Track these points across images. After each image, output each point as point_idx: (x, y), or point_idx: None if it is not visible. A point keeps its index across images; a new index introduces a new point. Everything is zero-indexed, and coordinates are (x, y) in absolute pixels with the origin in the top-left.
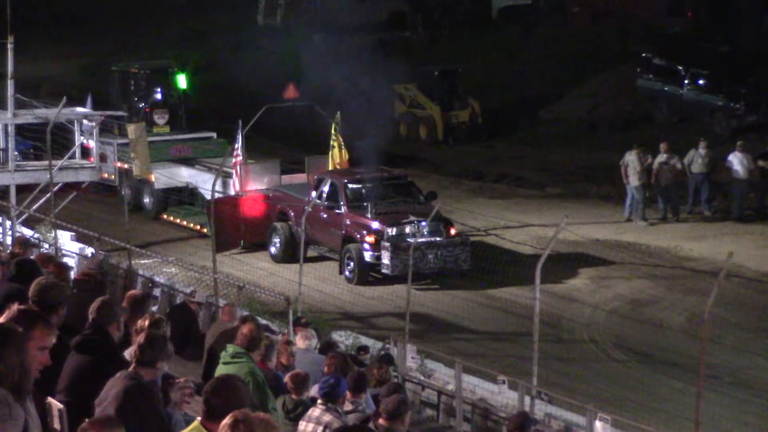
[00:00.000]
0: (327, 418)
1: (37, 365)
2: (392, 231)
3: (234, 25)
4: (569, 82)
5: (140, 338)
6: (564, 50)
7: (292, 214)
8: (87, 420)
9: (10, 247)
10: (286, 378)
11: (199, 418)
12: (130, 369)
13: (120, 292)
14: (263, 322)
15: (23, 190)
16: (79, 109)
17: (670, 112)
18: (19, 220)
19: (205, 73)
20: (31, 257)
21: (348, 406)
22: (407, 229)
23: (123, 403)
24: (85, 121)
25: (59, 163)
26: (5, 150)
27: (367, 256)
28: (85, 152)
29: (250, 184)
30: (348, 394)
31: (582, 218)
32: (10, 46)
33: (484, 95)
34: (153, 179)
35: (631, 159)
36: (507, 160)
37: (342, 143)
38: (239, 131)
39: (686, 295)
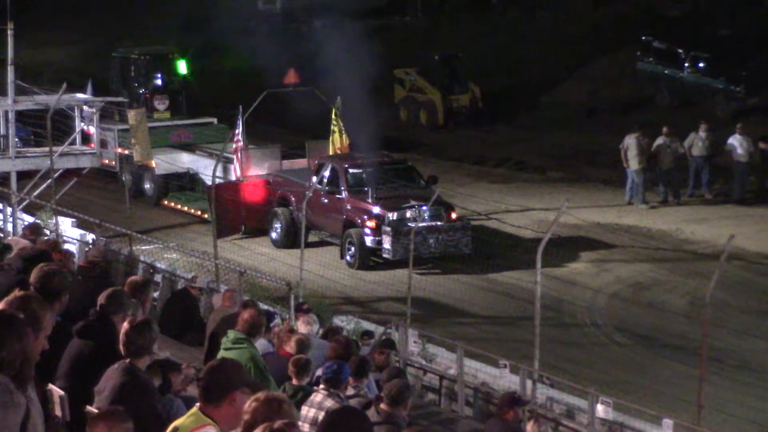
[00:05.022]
0: (329, 403)
1: (38, 352)
2: (393, 216)
3: (234, 11)
4: (570, 66)
5: (124, 328)
6: (564, 34)
7: (293, 199)
8: (96, 412)
9: (11, 235)
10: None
11: (198, 404)
12: (126, 362)
13: (121, 279)
14: (265, 307)
15: (24, 176)
16: (80, 95)
17: (670, 96)
18: (20, 206)
19: (206, 59)
20: (40, 248)
21: (350, 391)
22: (408, 214)
23: (118, 400)
24: (85, 108)
25: (60, 149)
26: (6, 136)
27: (368, 240)
28: (86, 138)
29: (250, 169)
30: (350, 378)
31: (583, 202)
32: (10, 33)
33: (484, 79)
34: (153, 165)
35: (631, 142)
36: (507, 144)
37: (342, 128)
38: (240, 117)
39: (687, 278)
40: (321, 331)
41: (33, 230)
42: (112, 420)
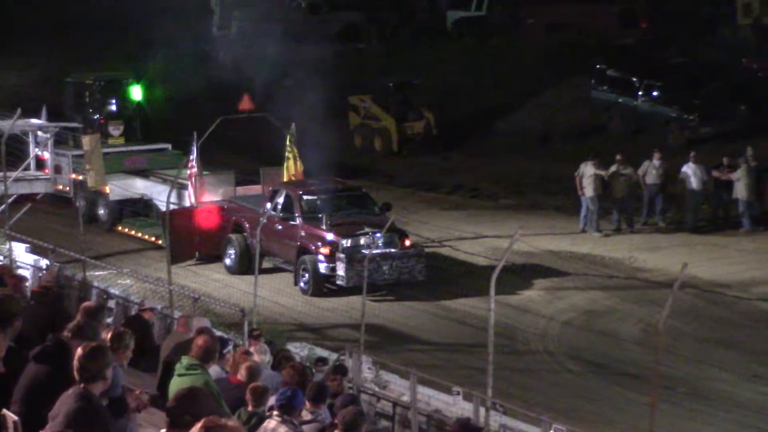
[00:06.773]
0: (282, 430)
1: None
2: (347, 242)
3: (189, 37)
4: (524, 94)
5: (78, 353)
6: (519, 61)
7: (247, 225)
8: None
9: None
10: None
11: (163, 430)
12: (80, 387)
13: (75, 304)
14: (218, 333)
15: None
16: (34, 121)
17: (624, 124)
18: None
19: (161, 85)
20: None
21: (307, 416)
22: (362, 241)
23: (72, 425)
24: (39, 133)
25: (14, 174)
26: None
27: (322, 267)
28: (40, 164)
29: (205, 195)
30: (307, 404)
31: (536, 229)
32: None
33: (439, 106)
34: (108, 191)
35: (586, 170)
36: (462, 171)
37: (297, 154)
38: (194, 142)
39: (641, 306)
40: (270, 361)
41: None
42: None
